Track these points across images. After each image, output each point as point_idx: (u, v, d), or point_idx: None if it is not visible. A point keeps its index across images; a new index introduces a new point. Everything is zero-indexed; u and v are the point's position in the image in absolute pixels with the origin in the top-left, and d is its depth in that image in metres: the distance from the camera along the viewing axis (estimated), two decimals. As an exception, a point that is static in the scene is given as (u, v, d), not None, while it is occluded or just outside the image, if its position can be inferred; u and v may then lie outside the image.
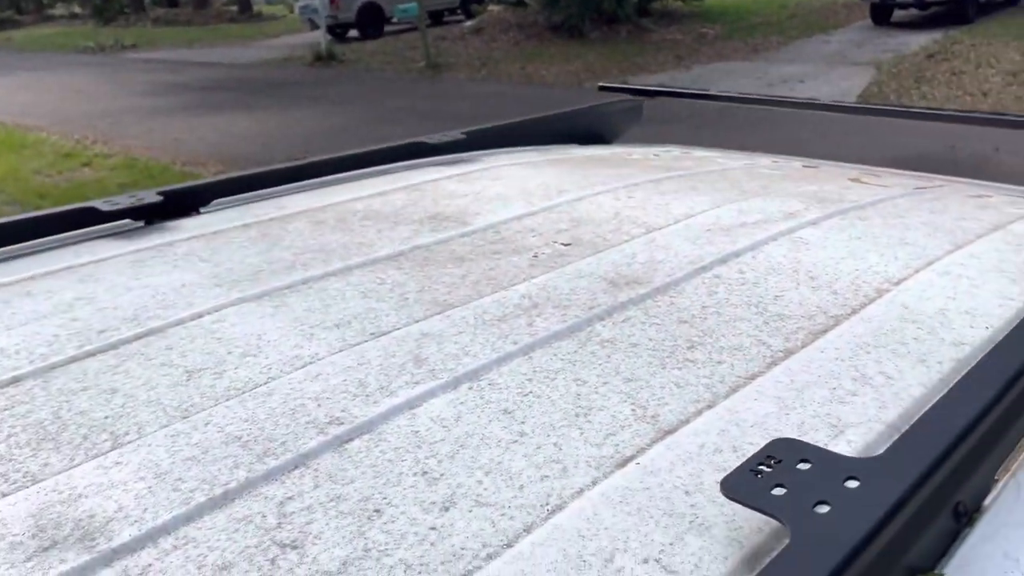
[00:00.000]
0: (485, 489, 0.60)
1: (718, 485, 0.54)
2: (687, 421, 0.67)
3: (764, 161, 1.61)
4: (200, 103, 12.19)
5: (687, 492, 0.59)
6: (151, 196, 1.26)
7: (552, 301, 0.89)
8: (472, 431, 0.67)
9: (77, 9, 32.95)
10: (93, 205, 1.23)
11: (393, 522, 0.57)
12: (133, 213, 1.24)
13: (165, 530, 0.58)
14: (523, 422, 0.68)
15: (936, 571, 0.53)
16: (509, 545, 0.55)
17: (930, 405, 0.61)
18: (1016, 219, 1.13)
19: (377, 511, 0.58)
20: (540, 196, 1.27)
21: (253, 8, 27.94)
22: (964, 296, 0.88)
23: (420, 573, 0.53)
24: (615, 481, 0.60)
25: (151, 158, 8.93)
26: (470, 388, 0.73)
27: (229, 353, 0.81)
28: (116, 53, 21.05)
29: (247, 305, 0.92)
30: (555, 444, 0.65)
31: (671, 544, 0.54)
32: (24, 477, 0.64)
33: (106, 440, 0.68)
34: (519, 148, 1.68)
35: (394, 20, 18.49)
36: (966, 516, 0.57)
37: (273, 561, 0.54)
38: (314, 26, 18.10)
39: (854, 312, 0.85)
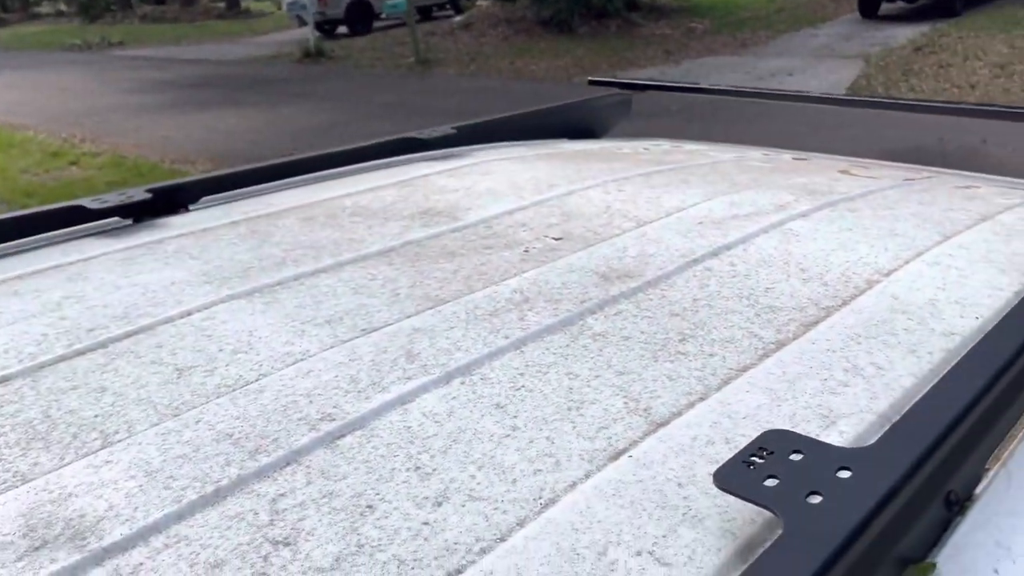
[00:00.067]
0: (478, 483, 0.60)
1: (711, 477, 0.54)
2: (679, 413, 0.67)
3: (754, 154, 1.62)
4: (188, 100, 12.13)
5: (680, 484, 0.59)
6: (140, 194, 1.26)
7: (543, 295, 0.89)
8: (464, 426, 0.67)
9: (63, 7, 32.72)
10: (81, 203, 1.22)
11: (386, 518, 0.57)
12: (122, 211, 1.23)
13: (156, 528, 0.57)
14: (515, 416, 0.67)
15: (928, 560, 0.53)
16: (502, 539, 0.55)
17: (921, 395, 0.61)
18: (1004, 209, 1.14)
19: (370, 507, 0.58)
20: (531, 191, 1.27)
21: (241, 5, 27.80)
22: (954, 286, 0.88)
23: (413, 568, 0.53)
24: (608, 474, 0.60)
25: (139, 156, 8.88)
26: (462, 383, 0.73)
27: (220, 350, 0.81)
28: (103, 51, 20.93)
29: (237, 302, 0.92)
30: (548, 438, 0.65)
31: (664, 536, 0.54)
32: (14, 477, 0.64)
33: (96, 439, 0.68)
34: (509, 143, 1.68)
35: (383, 16, 18.47)
36: (957, 505, 0.57)
37: (266, 558, 0.54)
38: (302, 22, 18.02)
39: (845, 303, 0.85)
